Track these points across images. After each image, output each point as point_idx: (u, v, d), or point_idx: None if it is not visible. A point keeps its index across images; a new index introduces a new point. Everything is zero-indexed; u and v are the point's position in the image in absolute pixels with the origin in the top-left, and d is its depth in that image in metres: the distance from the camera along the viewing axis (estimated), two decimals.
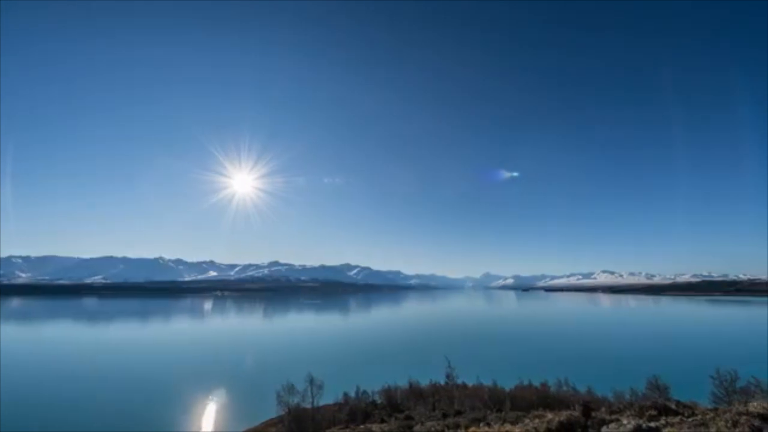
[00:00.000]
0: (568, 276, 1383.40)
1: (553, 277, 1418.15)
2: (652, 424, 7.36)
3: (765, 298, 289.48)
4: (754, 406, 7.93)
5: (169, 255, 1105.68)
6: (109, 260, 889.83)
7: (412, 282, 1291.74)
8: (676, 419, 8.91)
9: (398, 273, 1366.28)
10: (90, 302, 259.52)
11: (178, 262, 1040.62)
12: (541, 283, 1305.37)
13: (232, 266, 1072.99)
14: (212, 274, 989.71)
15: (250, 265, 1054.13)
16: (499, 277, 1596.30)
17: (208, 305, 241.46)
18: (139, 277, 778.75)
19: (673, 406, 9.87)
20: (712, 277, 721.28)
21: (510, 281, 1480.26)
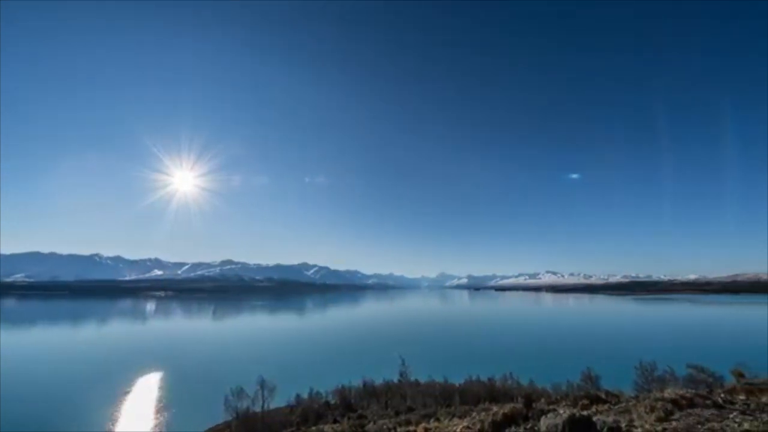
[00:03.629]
0: (517, 276, 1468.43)
1: (503, 277, 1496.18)
2: (585, 413, 7.92)
3: (681, 296, 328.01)
4: (668, 392, 8.87)
5: (107, 252, 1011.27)
6: (34, 256, 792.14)
7: (370, 282, 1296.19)
8: (605, 407, 9.76)
9: (356, 273, 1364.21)
10: (7, 303, 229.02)
11: (118, 259, 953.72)
12: (492, 283, 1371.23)
13: (180, 265, 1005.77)
14: (157, 272, 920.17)
15: (199, 264, 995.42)
16: (453, 277, 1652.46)
17: (150, 306, 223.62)
18: (70, 275, 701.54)
19: (603, 395, 10.78)
20: (639, 277, 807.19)
21: (464, 281, 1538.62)
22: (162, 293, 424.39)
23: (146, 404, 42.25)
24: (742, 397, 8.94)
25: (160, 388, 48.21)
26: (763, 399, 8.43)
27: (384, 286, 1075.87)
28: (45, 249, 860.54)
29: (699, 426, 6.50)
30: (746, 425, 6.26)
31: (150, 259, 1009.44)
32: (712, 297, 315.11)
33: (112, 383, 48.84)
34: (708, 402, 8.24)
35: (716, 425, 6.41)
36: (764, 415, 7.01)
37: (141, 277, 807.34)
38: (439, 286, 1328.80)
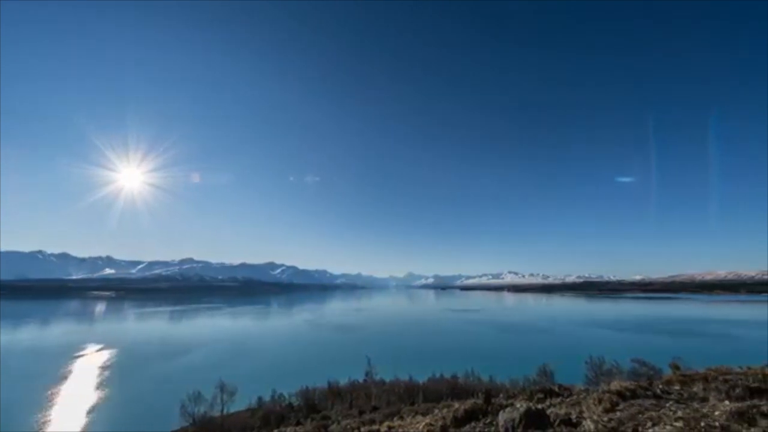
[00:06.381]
0: (481, 276, 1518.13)
1: (468, 277, 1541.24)
2: (540, 406, 8.25)
3: (628, 295, 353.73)
4: (615, 384, 9.49)
5: (52, 249, 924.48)
6: None
7: (339, 281, 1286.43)
8: (558, 400, 10.26)
9: (325, 272, 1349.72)
10: None
11: (64, 257, 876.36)
12: (457, 283, 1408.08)
13: (135, 263, 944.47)
14: (109, 271, 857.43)
15: (156, 263, 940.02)
16: (421, 277, 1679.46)
17: (99, 307, 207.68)
18: (10, 273, 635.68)
19: (556, 389, 11.34)
20: (591, 278, 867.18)
21: (431, 281, 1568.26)
22: (111, 293, 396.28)
23: (81, 416, 38.75)
24: (677, 387, 9.77)
25: (101, 398, 44.73)
26: (695, 389, 9.27)
27: (352, 286, 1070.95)
28: None
29: (640, 415, 7.00)
30: (680, 413, 6.84)
31: (101, 257, 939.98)
32: (655, 296, 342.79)
33: (35, 394, 44.64)
34: (648, 393, 8.92)
35: (654, 414, 6.94)
36: (695, 403, 7.71)
37: (90, 276, 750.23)
38: (407, 286, 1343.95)
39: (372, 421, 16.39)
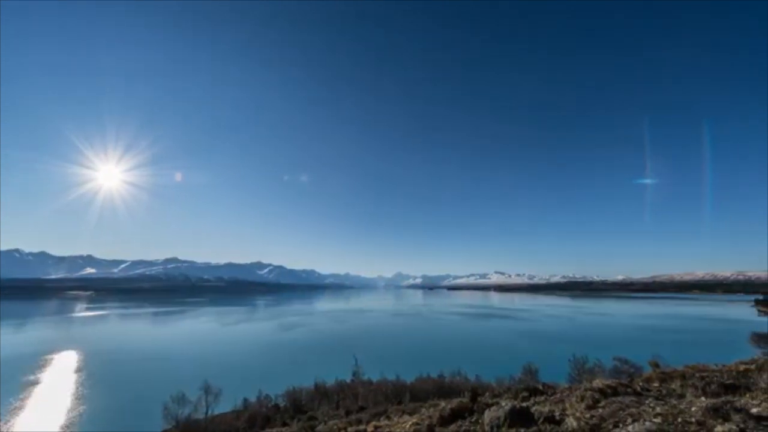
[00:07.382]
0: (468, 276, 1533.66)
1: (455, 277, 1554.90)
2: (524, 404, 8.35)
3: (611, 294, 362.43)
4: (596, 382, 9.70)
5: (30, 248, 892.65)
6: None
7: (327, 281, 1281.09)
8: (542, 398, 10.42)
9: (313, 272, 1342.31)
10: None
11: (42, 256, 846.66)
12: (445, 283, 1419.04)
13: (117, 262, 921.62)
14: (90, 270, 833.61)
15: (140, 262, 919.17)
16: (409, 277, 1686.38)
17: (77, 308, 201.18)
18: None
19: (540, 387, 11.52)
20: (575, 278, 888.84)
21: (419, 281, 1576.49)
22: (92, 293, 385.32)
23: (52, 423, 37.15)
24: (656, 384, 10.05)
25: (74, 403, 43.19)
26: (673, 385, 9.55)
27: (341, 286, 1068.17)
28: None
29: (621, 412, 7.17)
30: (659, 409, 7.03)
31: (81, 256, 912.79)
32: (636, 295, 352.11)
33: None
34: (629, 390, 9.14)
35: (635, 410, 7.12)
36: (673, 400, 7.94)
37: (70, 275, 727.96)
38: (395, 286, 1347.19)
39: (359, 421, 16.35)
